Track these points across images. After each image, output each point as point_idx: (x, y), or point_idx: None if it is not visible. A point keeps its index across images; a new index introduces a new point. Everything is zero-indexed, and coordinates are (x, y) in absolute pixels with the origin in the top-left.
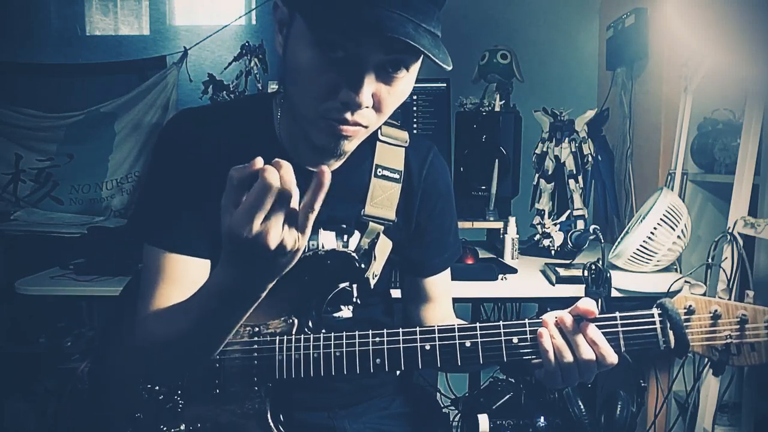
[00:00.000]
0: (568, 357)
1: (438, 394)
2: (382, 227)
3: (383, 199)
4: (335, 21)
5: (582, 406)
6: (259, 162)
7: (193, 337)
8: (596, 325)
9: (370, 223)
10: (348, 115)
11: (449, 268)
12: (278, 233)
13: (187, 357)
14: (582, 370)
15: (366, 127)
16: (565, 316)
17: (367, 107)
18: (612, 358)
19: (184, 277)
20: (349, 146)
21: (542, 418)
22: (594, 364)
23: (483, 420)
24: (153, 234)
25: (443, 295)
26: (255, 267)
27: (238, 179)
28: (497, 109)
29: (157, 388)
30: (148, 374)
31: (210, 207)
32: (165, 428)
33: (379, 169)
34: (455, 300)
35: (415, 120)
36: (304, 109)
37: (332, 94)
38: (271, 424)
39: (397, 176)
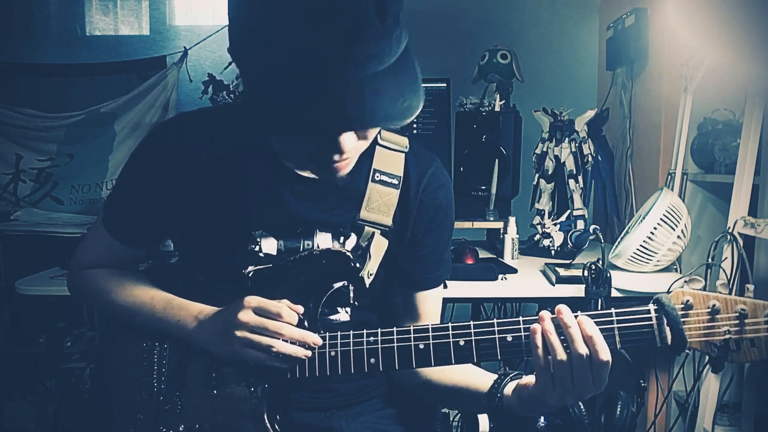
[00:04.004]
0: (561, 354)
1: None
2: (379, 231)
3: (380, 204)
4: (297, 129)
5: (582, 406)
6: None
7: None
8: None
9: (366, 227)
10: (336, 158)
11: (441, 288)
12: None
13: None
14: (575, 373)
15: (355, 152)
16: (564, 307)
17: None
18: (604, 354)
19: (117, 256)
20: (346, 171)
21: (542, 418)
22: (587, 362)
23: (483, 420)
24: (107, 221)
25: (432, 314)
26: (216, 349)
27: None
28: (497, 109)
29: (155, 389)
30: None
31: (181, 205)
32: (164, 429)
33: (377, 174)
34: (455, 300)
35: (415, 120)
36: (290, 155)
37: (314, 152)
38: (268, 424)
39: (395, 182)
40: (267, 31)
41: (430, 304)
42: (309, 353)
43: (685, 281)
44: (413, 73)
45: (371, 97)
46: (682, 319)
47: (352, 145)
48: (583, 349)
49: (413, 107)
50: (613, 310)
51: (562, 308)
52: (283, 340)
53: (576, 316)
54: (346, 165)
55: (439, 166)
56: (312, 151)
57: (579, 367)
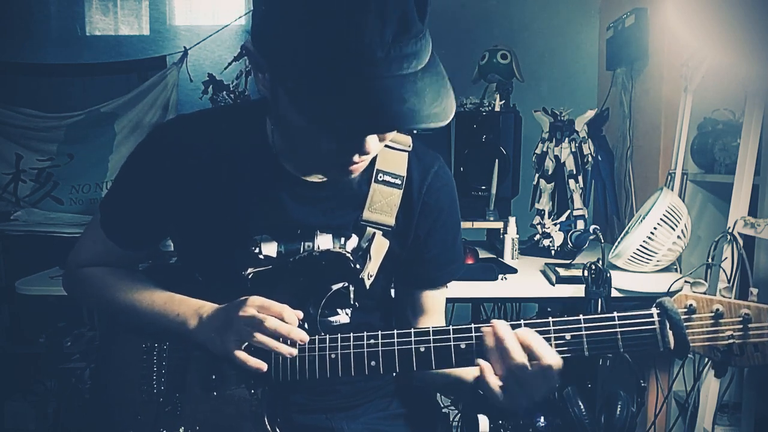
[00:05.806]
0: (501, 366)
1: (438, 394)
2: (380, 232)
3: (383, 204)
4: (341, 127)
5: (582, 406)
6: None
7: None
8: (595, 325)
9: (368, 228)
10: (356, 158)
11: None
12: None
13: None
14: (520, 379)
15: (375, 153)
16: (498, 322)
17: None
18: (549, 359)
19: (114, 256)
20: (359, 172)
21: (542, 418)
22: (533, 371)
23: (483, 420)
24: (105, 222)
25: (438, 309)
26: (213, 345)
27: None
28: (497, 109)
29: (155, 390)
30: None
31: (179, 208)
32: (164, 430)
33: (380, 174)
34: (455, 300)
35: None
36: (308, 157)
37: (339, 152)
38: (268, 427)
39: (398, 182)
40: (310, 30)
41: (435, 301)
42: (294, 351)
43: (686, 282)
44: (443, 74)
45: (413, 98)
46: (685, 324)
47: (376, 146)
48: (521, 359)
49: (449, 108)
50: (615, 314)
51: (495, 323)
52: (282, 340)
53: (516, 327)
54: (362, 167)
55: (442, 164)
56: (330, 152)
57: (521, 375)
